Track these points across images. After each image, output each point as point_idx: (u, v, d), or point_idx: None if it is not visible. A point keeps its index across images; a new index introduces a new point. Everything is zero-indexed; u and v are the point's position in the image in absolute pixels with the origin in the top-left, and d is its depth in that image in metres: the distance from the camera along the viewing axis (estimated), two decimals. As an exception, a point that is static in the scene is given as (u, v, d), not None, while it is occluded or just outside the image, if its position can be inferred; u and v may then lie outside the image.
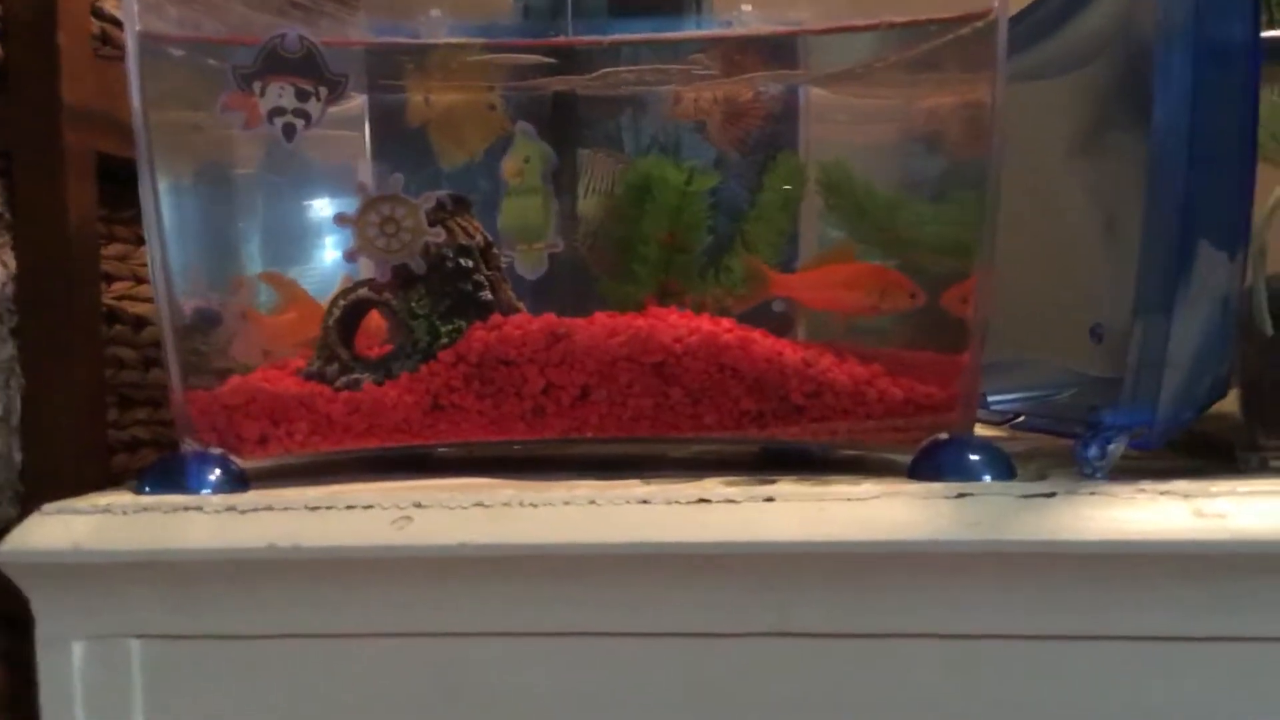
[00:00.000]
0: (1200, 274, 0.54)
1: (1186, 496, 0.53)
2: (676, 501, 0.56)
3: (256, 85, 0.64)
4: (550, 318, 0.65)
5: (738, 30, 0.72)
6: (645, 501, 0.56)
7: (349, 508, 0.57)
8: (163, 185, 0.63)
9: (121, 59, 0.62)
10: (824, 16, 0.71)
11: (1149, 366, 0.55)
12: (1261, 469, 0.59)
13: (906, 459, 0.61)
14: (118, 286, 0.82)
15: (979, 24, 0.60)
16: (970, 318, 0.61)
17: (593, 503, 0.56)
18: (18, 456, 0.75)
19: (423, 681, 0.58)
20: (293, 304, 0.71)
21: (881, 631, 0.55)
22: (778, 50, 0.74)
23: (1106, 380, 0.61)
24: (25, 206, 0.74)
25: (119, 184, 0.78)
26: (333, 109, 0.65)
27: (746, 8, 0.73)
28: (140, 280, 0.84)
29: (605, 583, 0.56)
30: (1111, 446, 0.56)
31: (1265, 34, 0.56)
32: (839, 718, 0.56)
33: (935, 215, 0.68)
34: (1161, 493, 0.54)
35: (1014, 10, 0.67)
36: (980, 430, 0.72)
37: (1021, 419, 0.77)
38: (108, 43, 0.79)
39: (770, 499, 0.56)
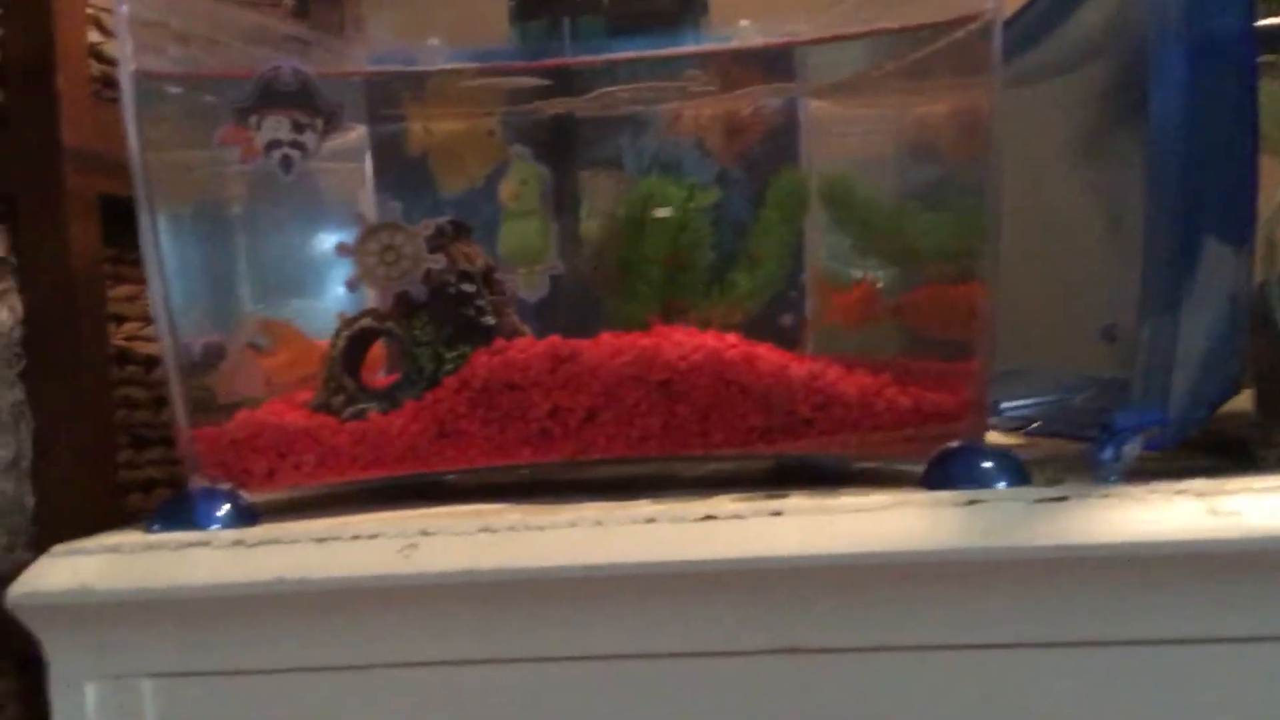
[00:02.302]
0: (1206, 271, 0.54)
1: (1201, 495, 0.52)
2: (683, 520, 0.55)
3: (253, 119, 0.64)
4: (554, 340, 0.65)
5: (731, 44, 0.71)
6: (651, 520, 0.56)
7: (355, 538, 0.57)
8: (163, 223, 0.63)
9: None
10: (819, 27, 0.71)
11: (1158, 366, 0.54)
12: (1277, 465, 0.58)
13: (921, 469, 0.60)
14: (128, 327, 0.83)
15: (973, 26, 0.60)
16: (975, 320, 0.60)
17: (599, 524, 0.56)
18: (29, 500, 0.75)
19: (434, 711, 0.57)
20: (284, 345, 0.70)
21: (893, 645, 0.54)
22: (775, 63, 0.74)
23: (1120, 381, 0.60)
24: (29, 250, 0.75)
25: (127, 225, 0.78)
26: (335, 140, 0.65)
27: (744, 23, 0.72)
28: (149, 320, 0.84)
29: (613, 604, 0.55)
30: (1126, 448, 0.55)
31: (1261, 23, 0.55)
32: (854, 734, 0.55)
33: (938, 223, 0.67)
34: (1176, 492, 0.53)
35: (1007, 13, 0.67)
36: (996, 437, 0.71)
37: (1037, 424, 0.76)
38: (109, 85, 0.79)
39: (778, 513, 0.55)
